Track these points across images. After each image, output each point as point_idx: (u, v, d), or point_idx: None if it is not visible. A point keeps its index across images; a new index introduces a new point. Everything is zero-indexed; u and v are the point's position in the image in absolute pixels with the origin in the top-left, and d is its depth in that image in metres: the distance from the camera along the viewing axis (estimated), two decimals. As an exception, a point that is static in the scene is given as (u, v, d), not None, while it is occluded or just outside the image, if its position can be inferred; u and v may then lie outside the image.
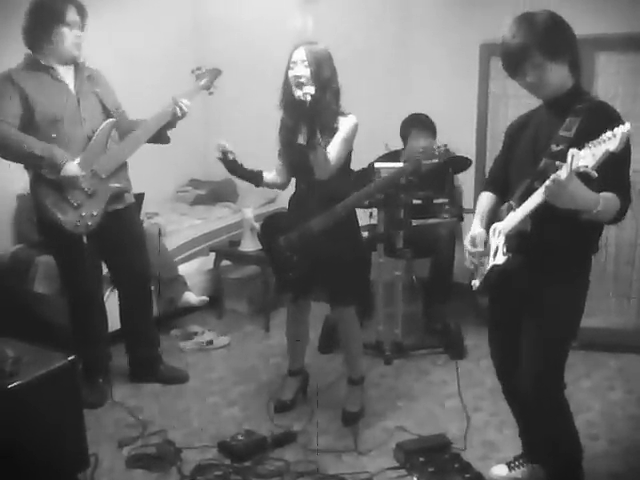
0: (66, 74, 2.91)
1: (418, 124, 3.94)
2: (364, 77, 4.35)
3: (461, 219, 3.94)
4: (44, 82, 2.84)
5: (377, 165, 3.28)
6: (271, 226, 2.90)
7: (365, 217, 3.67)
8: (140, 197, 3.76)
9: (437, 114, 4.00)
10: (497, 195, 2.22)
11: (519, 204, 1.96)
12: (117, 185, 2.97)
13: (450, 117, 3.99)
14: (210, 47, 5.02)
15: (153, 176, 4.51)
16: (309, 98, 2.44)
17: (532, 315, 2.07)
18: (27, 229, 3.75)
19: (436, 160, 2.71)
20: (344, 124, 2.64)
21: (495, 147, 3.76)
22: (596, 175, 1.63)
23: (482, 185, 3.78)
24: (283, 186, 2.92)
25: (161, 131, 3.05)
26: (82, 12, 2.87)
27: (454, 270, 4.28)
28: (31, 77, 2.83)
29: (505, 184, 2.16)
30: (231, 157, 2.70)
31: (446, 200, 3.76)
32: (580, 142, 1.81)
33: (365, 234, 3.59)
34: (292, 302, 2.98)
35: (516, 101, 3.60)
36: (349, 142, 2.67)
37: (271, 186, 2.91)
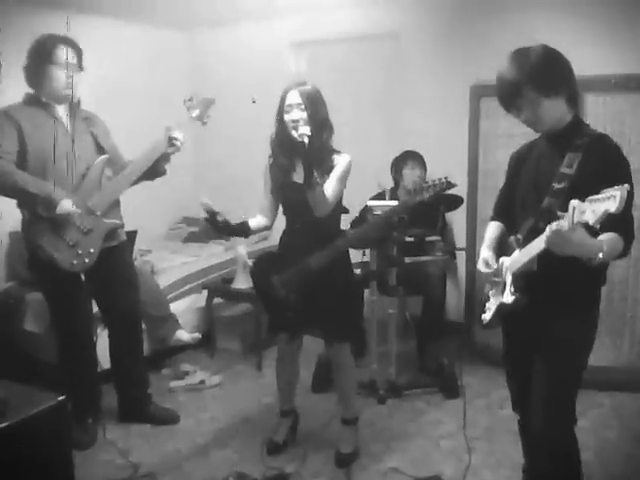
0: (63, 112, 2.93)
1: (411, 159, 3.99)
2: (357, 117, 4.43)
3: (453, 257, 3.96)
4: (40, 119, 2.86)
5: (370, 204, 3.31)
6: (263, 265, 2.88)
7: (358, 254, 3.69)
8: (132, 235, 3.76)
9: (429, 154, 4.06)
10: (504, 224, 2.26)
11: (524, 243, 1.97)
12: (112, 222, 2.97)
13: (441, 156, 4.06)
14: (202, 86, 5.09)
15: (146, 213, 4.53)
16: (306, 140, 2.47)
17: (543, 350, 2.07)
18: (19, 267, 3.74)
19: (437, 190, 2.72)
20: (340, 162, 2.68)
21: (486, 186, 3.82)
22: (598, 227, 1.63)
23: (474, 223, 3.89)
24: (269, 227, 2.90)
25: (156, 164, 3.02)
26: (76, 52, 2.89)
27: (447, 308, 4.29)
28: (28, 113, 2.85)
29: (510, 214, 2.19)
30: (220, 219, 2.67)
31: (438, 238, 3.79)
32: (581, 179, 1.84)
33: (358, 271, 3.60)
34: (286, 342, 2.95)
35: (506, 140, 3.66)
36: (344, 180, 2.70)
37: (259, 231, 2.89)
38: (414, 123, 4.41)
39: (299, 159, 2.63)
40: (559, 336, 2.02)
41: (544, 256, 1.86)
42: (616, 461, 2.83)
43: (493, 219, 2.32)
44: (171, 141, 2.98)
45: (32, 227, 2.85)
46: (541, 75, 1.90)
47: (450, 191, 3.86)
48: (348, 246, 2.77)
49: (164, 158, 3.04)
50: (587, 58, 3.55)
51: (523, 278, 1.99)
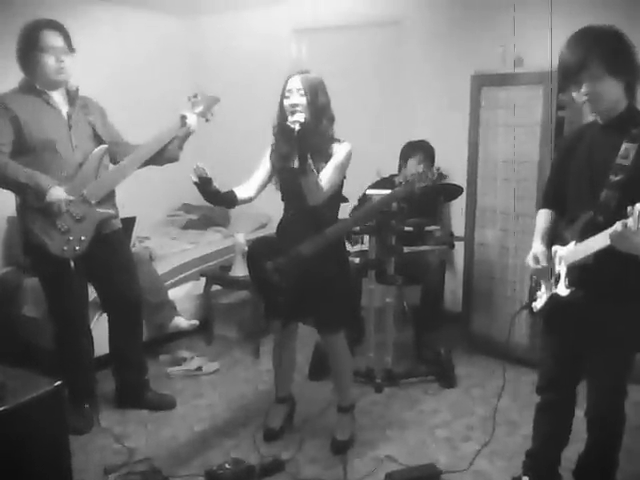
0: (59, 99, 2.91)
1: (419, 150, 3.98)
2: (356, 105, 4.41)
3: (452, 246, 3.96)
4: (36, 106, 2.83)
5: (369, 192, 3.30)
6: (258, 251, 2.87)
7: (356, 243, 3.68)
8: (131, 221, 3.76)
9: (429, 142, 4.04)
10: (554, 211, 2.26)
11: (581, 236, 1.97)
12: (106, 211, 2.96)
13: (442, 146, 4.04)
14: (204, 73, 5.08)
15: (145, 200, 4.53)
16: (298, 126, 2.44)
17: (601, 336, 2.09)
18: (17, 252, 3.73)
19: (429, 183, 2.72)
20: (339, 151, 2.66)
21: (486, 176, 3.81)
22: None
23: (473, 213, 3.88)
24: (252, 199, 2.83)
25: (166, 149, 3.02)
26: (64, 36, 2.83)
27: (445, 298, 4.30)
28: (24, 101, 2.82)
29: (561, 200, 2.19)
30: (212, 187, 2.62)
31: (437, 227, 3.79)
32: (639, 171, 1.84)
33: (356, 260, 3.60)
34: (281, 328, 2.95)
35: (506, 130, 3.65)
36: (342, 169, 2.68)
37: (244, 202, 2.81)
38: (415, 111, 4.40)
39: (295, 146, 2.61)
40: (615, 324, 2.04)
41: (602, 251, 1.86)
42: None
43: (543, 207, 2.31)
44: (183, 120, 2.99)
45: (25, 213, 2.84)
46: (612, 52, 1.90)
47: (450, 181, 3.88)
48: (340, 234, 2.75)
49: (177, 142, 3.04)
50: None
51: (579, 271, 1.99)
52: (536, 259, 2.17)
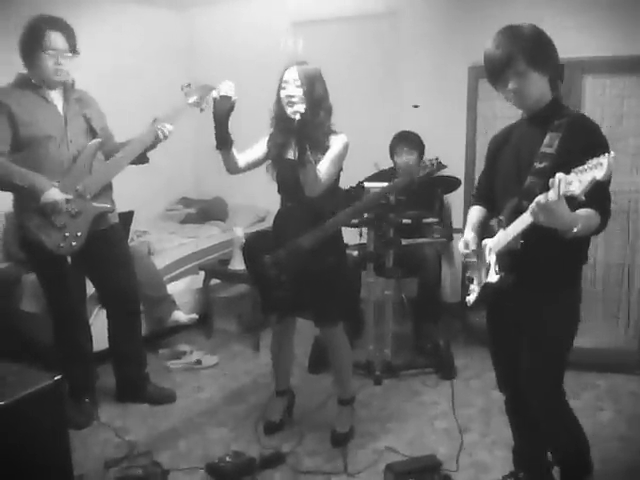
0: (55, 94, 2.89)
1: (405, 141, 3.98)
2: (354, 98, 4.40)
3: (450, 239, 3.96)
4: (32, 101, 2.82)
5: (367, 185, 3.29)
6: (255, 245, 2.88)
7: (355, 236, 3.68)
8: (129, 215, 3.75)
9: (427, 135, 4.05)
10: (486, 208, 2.27)
11: (508, 222, 1.98)
12: (102, 206, 2.95)
13: (439, 138, 4.04)
14: (201, 65, 5.06)
15: (143, 194, 4.53)
16: (298, 116, 2.44)
17: (530, 330, 2.10)
18: (15, 247, 3.73)
19: (428, 171, 2.72)
20: (335, 143, 2.66)
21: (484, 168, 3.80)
22: (583, 199, 1.65)
23: (471, 205, 3.87)
24: (236, 170, 2.78)
25: (143, 152, 3.01)
26: (68, 37, 2.80)
27: (443, 290, 4.30)
28: (19, 96, 2.81)
29: (492, 196, 2.21)
30: (229, 106, 2.59)
31: (436, 220, 3.78)
32: (562, 158, 1.86)
33: (355, 253, 3.60)
34: (278, 322, 2.96)
35: (504, 122, 3.63)
36: (340, 161, 2.68)
37: (229, 161, 2.75)
38: (412, 103, 4.38)
39: (294, 137, 2.61)
40: (545, 316, 2.05)
41: (528, 234, 1.88)
42: (610, 442, 2.85)
43: (474, 204, 2.33)
44: (158, 132, 2.96)
45: (21, 209, 2.84)
46: (533, 47, 1.94)
47: (448, 173, 3.88)
48: (339, 226, 2.74)
49: (150, 146, 3.03)
50: (587, 40, 3.53)
51: (507, 257, 2.00)
52: (466, 244, 2.17)
